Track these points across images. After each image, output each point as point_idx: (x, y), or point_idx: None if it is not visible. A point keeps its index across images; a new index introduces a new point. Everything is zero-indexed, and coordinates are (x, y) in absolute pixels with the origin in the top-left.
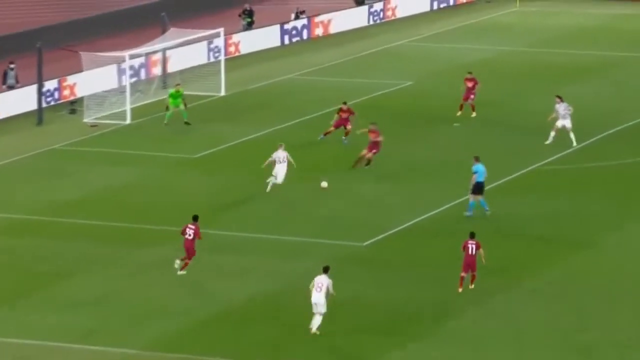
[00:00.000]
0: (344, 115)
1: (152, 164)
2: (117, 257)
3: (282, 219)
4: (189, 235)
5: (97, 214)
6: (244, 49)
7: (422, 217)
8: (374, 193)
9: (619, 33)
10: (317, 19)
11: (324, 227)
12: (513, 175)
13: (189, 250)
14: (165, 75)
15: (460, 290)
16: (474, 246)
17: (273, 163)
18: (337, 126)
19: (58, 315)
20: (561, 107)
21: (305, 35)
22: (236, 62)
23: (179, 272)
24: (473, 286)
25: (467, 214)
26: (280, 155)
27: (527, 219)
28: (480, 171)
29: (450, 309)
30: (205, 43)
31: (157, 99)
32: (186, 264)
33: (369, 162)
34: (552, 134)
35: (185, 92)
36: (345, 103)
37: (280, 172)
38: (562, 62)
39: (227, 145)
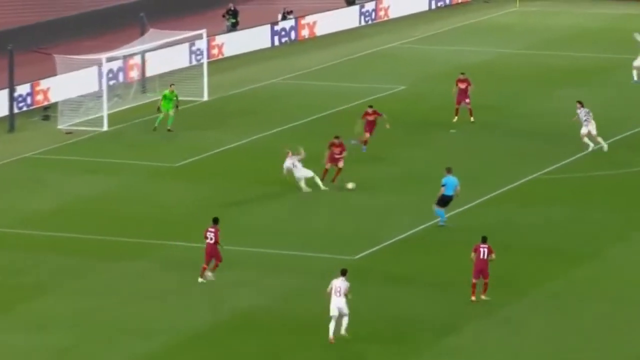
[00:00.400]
0: (370, 118)
1: (130, 173)
2: (93, 271)
3: (270, 231)
4: (210, 239)
5: (72, 225)
6: (228, 52)
7: (417, 228)
8: (366, 204)
9: (622, 34)
10: (305, 20)
11: (314, 240)
12: (514, 184)
13: (212, 254)
14: (144, 79)
15: (473, 298)
16: (485, 250)
17: (290, 172)
18: (369, 131)
19: (27, 335)
20: (582, 113)
21: (292, 37)
22: (220, 65)
23: (208, 274)
24: (485, 297)
25: (440, 223)
26: (289, 163)
27: (528, 229)
28: (449, 184)
29: (448, 323)
30: (186, 45)
31: (135, 104)
32: (216, 266)
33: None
34: (585, 141)
35: None
36: (371, 106)
37: (301, 174)
38: (563, 64)
39: (210, 153)
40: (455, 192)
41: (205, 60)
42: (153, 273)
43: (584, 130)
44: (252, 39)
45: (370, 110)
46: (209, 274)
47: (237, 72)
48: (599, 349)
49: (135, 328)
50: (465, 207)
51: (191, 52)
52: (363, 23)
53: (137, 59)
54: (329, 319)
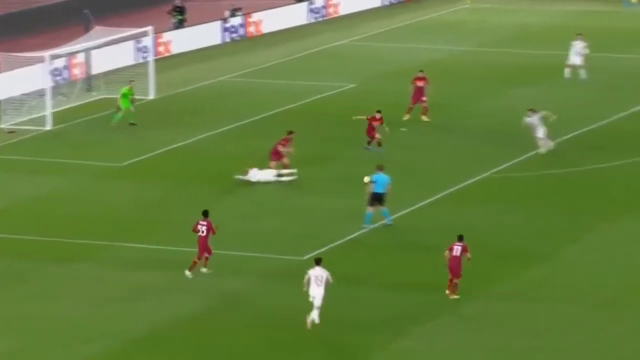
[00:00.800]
0: (376, 123)
1: (75, 173)
2: (37, 273)
3: (217, 232)
4: (202, 232)
5: (16, 227)
6: (175, 49)
7: (366, 229)
8: (314, 204)
9: (575, 31)
10: (253, 17)
11: (261, 241)
12: (464, 183)
13: (204, 247)
14: (89, 77)
15: (447, 292)
16: (459, 248)
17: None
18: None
19: None
20: (535, 119)
21: (240, 34)
22: (166, 62)
23: (203, 270)
24: (454, 296)
25: (364, 225)
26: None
27: (479, 229)
28: (379, 181)
29: (398, 325)
30: (132, 42)
31: (80, 103)
32: (207, 260)
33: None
34: (543, 143)
35: (110, 96)
36: (379, 111)
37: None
38: (515, 62)
39: (157, 152)
40: (386, 189)
41: (151, 58)
42: (98, 275)
43: (540, 134)
44: (200, 36)
45: (378, 116)
46: (203, 269)
47: (184, 70)
48: (551, 350)
49: (78, 332)
50: (415, 206)
51: (137, 50)
52: (312, 20)
53: (81, 57)
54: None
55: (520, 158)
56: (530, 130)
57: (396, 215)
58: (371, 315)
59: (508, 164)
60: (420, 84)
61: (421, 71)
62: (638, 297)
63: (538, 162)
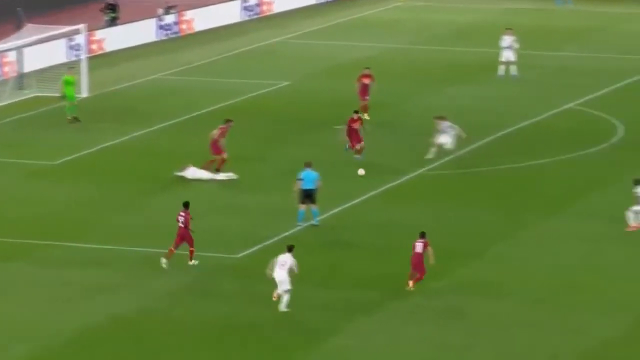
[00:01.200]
0: (355, 124)
1: (7, 171)
2: None
3: (151, 230)
4: (181, 223)
5: None
6: (108, 47)
7: (299, 227)
8: (248, 202)
9: (506, 29)
10: (187, 15)
11: (196, 239)
12: (397, 182)
13: (183, 237)
14: (21, 75)
15: (409, 284)
16: (421, 245)
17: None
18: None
19: None
20: (444, 125)
21: (174, 31)
22: (99, 60)
23: (190, 263)
24: (412, 287)
25: (298, 223)
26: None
27: (412, 227)
28: (308, 178)
29: (331, 324)
30: (64, 40)
31: (12, 101)
32: (191, 252)
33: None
34: (435, 150)
35: (42, 95)
36: (356, 112)
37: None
38: (449, 60)
39: (90, 150)
40: (316, 186)
41: (84, 56)
42: (31, 275)
43: (441, 140)
44: (134, 34)
45: (355, 117)
46: (190, 262)
47: (117, 67)
48: (484, 347)
49: (13, 332)
50: (348, 204)
51: (70, 48)
52: (246, 18)
53: (13, 55)
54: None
55: (453, 156)
56: (435, 133)
57: (329, 214)
58: (305, 313)
59: (441, 161)
60: (366, 81)
61: (367, 68)
62: (569, 294)
63: (471, 160)
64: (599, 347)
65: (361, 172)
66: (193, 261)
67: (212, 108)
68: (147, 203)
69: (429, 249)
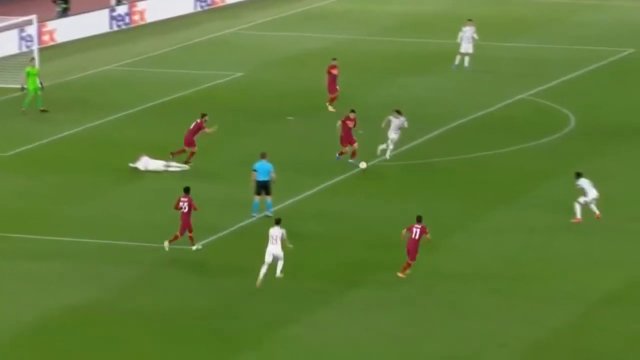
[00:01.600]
0: (350, 123)
1: None
2: None
3: (104, 221)
4: (184, 208)
5: None
6: (60, 38)
7: (254, 218)
8: (203, 193)
9: (461, 20)
10: (139, 5)
11: (150, 230)
12: (352, 172)
13: (186, 223)
14: None
15: (400, 275)
16: (418, 230)
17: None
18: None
19: None
20: (399, 121)
21: (127, 22)
22: (51, 51)
23: (194, 248)
24: (404, 275)
25: (252, 214)
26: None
27: (366, 219)
28: (262, 169)
29: (285, 313)
30: (16, 31)
31: None
32: (191, 238)
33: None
34: (386, 146)
35: None
36: (353, 111)
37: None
38: (405, 51)
39: (42, 142)
40: (271, 177)
41: (35, 47)
42: None
43: (394, 136)
44: (86, 24)
45: (352, 116)
46: (193, 247)
47: (69, 59)
48: (440, 338)
49: None
50: (302, 195)
51: (21, 39)
52: (199, 9)
53: None
54: (263, 264)
55: (409, 145)
56: (387, 127)
57: (282, 205)
58: (259, 304)
59: (395, 152)
60: (334, 72)
61: (334, 59)
62: (524, 283)
63: (427, 150)
64: (550, 337)
65: (363, 165)
66: (196, 245)
67: (165, 99)
68: (101, 194)
69: (428, 235)
